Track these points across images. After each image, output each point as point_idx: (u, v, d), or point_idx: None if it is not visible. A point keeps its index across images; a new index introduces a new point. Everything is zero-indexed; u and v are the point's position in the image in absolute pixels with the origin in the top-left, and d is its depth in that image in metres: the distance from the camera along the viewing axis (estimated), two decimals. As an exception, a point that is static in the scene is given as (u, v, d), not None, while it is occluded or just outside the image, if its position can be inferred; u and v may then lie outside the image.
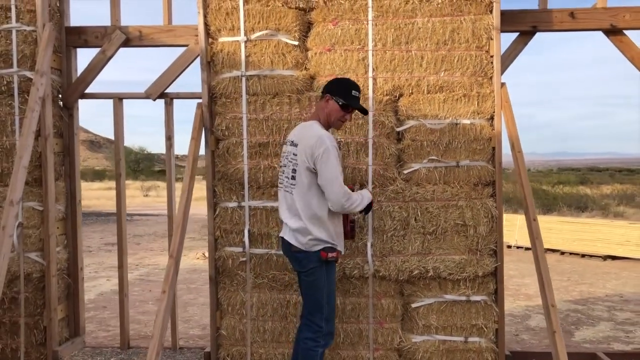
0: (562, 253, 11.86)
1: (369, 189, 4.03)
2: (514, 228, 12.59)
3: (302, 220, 3.30)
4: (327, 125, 3.43)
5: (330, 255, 3.30)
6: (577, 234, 11.87)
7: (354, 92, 3.39)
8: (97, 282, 8.68)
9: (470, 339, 4.11)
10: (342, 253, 3.50)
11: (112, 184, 40.23)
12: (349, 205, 3.26)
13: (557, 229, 12.17)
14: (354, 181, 4.06)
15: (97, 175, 48.08)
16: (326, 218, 3.30)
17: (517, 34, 4.46)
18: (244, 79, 4.13)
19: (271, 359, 4.19)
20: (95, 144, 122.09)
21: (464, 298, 4.09)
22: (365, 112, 3.49)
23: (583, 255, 11.52)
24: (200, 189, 12.52)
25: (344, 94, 3.37)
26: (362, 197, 3.38)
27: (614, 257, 11.09)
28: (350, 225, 3.60)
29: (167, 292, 3.55)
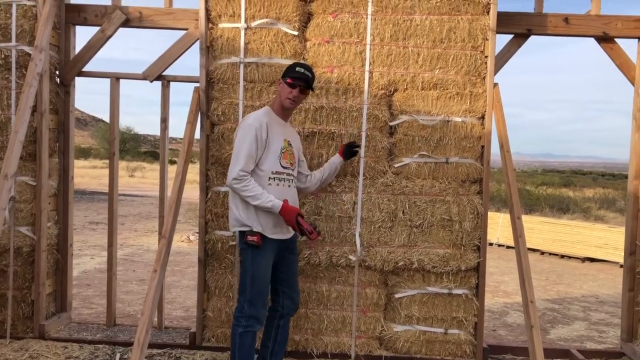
0: (542, 253, 12.07)
1: (360, 179, 4.12)
2: (496, 226, 12.76)
3: (229, 199, 3.48)
4: (280, 107, 3.49)
5: (249, 238, 3.28)
6: (558, 235, 12.08)
7: (297, 69, 3.41)
8: (81, 259, 8.69)
9: (450, 331, 4.23)
10: (285, 237, 3.44)
11: (97, 162, 40.12)
12: (236, 185, 3.23)
13: (538, 229, 12.37)
14: (344, 172, 4.15)
15: (83, 153, 47.70)
16: (240, 201, 3.32)
17: (511, 35, 4.55)
18: (242, 65, 4.18)
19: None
20: (82, 121, 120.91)
21: (446, 291, 4.20)
22: (309, 87, 3.44)
23: (562, 256, 11.73)
24: (189, 172, 12.53)
25: (287, 71, 3.44)
26: (267, 200, 3.23)
27: (592, 259, 11.31)
28: (305, 228, 3.30)
29: (158, 271, 3.61)
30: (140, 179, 30.86)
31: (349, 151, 3.96)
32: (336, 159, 3.91)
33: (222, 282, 4.29)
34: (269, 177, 3.35)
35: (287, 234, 3.47)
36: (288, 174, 3.47)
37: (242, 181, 3.23)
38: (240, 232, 3.37)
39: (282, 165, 3.42)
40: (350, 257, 4.14)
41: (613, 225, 12.58)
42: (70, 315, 4.97)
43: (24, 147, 4.20)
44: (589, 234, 11.67)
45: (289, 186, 3.47)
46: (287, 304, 3.61)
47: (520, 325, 6.04)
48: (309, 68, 3.47)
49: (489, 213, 4.27)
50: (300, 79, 3.39)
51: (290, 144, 3.52)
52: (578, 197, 24.22)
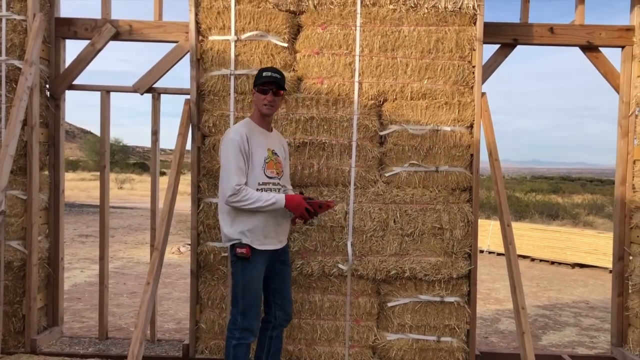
0: (532, 259, 12.15)
1: (351, 189, 4.15)
2: (486, 234, 12.84)
3: (218, 214, 3.49)
4: (259, 115, 3.45)
5: (238, 250, 3.28)
6: (548, 242, 12.16)
7: (264, 74, 3.37)
8: (71, 273, 8.64)
9: (443, 339, 4.25)
10: (276, 248, 3.41)
11: (86, 174, 39.89)
12: (234, 200, 3.20)
13: (528, 236, 12.46)
14: (336, 182, 4.18)
15: (71, 166, 47.38)
16: (234, 213, 3.31)
17: (498, 45, 4.61)
18: (232, 77, 4.21)
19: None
20: (70, 133, 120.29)
21: (438, 299, 4.22)
22: (281, 87, 3.40)
23: (552, 263, 11.81)
24: (179, 183, 12.49)
25: (256, 79, 3.42)
26: (267, 199, 3.24)
27: (582, 265, 11.40)
28: (318, 203, 3.37)
29: (151, 283, 3.61)
30: (130, 191, 30.72)
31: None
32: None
33: (215, 294, 4.29)
34: (256, 189, 3.31)
35: (278, 244, 3.45)
36: (274, 184, 3.42)
37: (239, 194, 3.20)
38: (230, 245, 3.37)
39: (267, 175, 3.39)
40: (342, 266, 4.16)
41: (602, 231, 12.70)
42: (62, 330, 4.94)
43: (14, 161, 4.20)
44: (579, 240, 11.77)
45: None
46: (279, 315, 3.58)
47: (512, 331, 6.07)
48: (275, 70, 3.44)
49: (479, 220, 4.30)
50: (269, 82, 3.36)
51: (275, 153, 3.48)
52: (567, 203, 24.41)
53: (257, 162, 3.35)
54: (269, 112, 3.44)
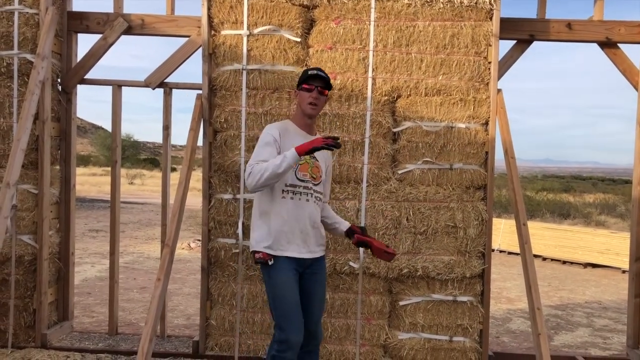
0: (544, 259, 12.06)
1: (363, 186, 4.11)
2: (498, 232, 12.75)
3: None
4: (301, 116, 3.20)
5: (257, 256, 3.09)
6: (559, 241, 12.06)
7: (310, 72, 3.17)
8: (82, 267, 8.66)
9: (455, 338, 4.20)
10: (302, 257, 3.11)
11: (97, 169, 40.13)
12: (250, 181, 2.95)
13: (540, 235, 12.35)
14: (348, 179, 4.13)
15: (82, 161, 47.69)
16: (258, 217, 3.14)
17: (514, 41, 4.54)
18: (244, 72, 4.17)
19: (259, 350, 4.25)
20: (81, 129, 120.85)
21: (450, 298, 4.17)
22: (327, 86, 3.18)
23: (564, 262, 11.71)
24: (191, 179, 12.51)
25: (301, 79, 3.21)
26: (275, 160, 2.93)
27: (594, 265, 11.30)
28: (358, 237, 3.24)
29: (162, 279, 3.58)
30: (140, 186, 30.86)
31: (359, 241, 3.32)
32: (342, 227, 3.37)
33: (226, 290, 4.26)
34: (282, 190, 3.07)
35: (306, 253, 3.13)
36: (306, 187, 3.11)
37: (252, 173, 2.94)
38: (251, 252, 3.17)
39: (298, 178, 3.09)
40: (354, 264, 4.12)
41: (615, 231, 12.57)
42: (72, 324, 4.94)
43: (25, 155, 4.18)
44: (591, 239, 11.66)
45: (308, 200, 3.11)
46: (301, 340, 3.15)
47: (524, 331, 6.01)
48: (320, 69, 3.24)
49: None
50: (315, 78, 3.14)
51: (314, 157, 3.18)
52: (578, 202, 24.23)
53: None
54: (313, 112, 3.17)
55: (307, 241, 3.12)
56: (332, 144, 2.94)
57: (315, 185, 3.16)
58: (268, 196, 3.09)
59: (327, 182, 3.38)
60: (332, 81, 4.08)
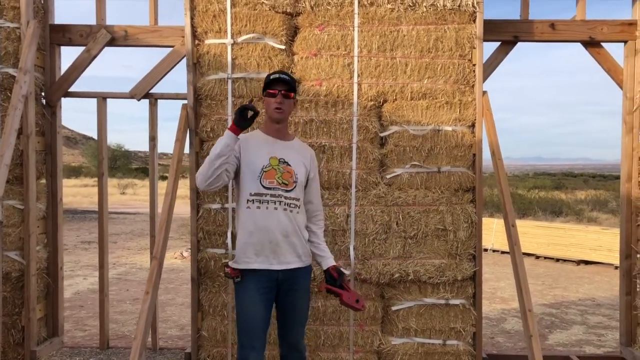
0: (537, 257, 12.08)
1: (352, 192, 4.09)
2: (490, 232, 12.76)
3: None
4: (269, 123, 3.14)
5: (226, 269, 3.07)
6: (552, 239, 12.09)
7: (272, 76, 3.10)
8: (74, 280, 8.60)
9: (449, 342, 4.19)
10: (273, 268, 3.00)
11: (88, 180, 39.96)
12: (197, 175, 2.97)
13: (532, 233, 12.39)
14: (337, 185, 4.11)
15: (73, 172, 47.46)
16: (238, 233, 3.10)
17: (499, 43, 4.55)
18: (230, 81, 4.15)
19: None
20: (72, 140, 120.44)
21: (443, 301, 4.16)
22: (291, 89, 3.09)
23: (557, 260, 11.74)
24: (180, 188, 12.48)
25: (264, 85, 3.15)
26: (215, 147, 2.92)
27: (587, 262, 11.33)
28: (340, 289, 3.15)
29: (150, 293, 3.54)
30: (132, 196, 30.71)
31: (328, 290, 3.23)
32: (324, 264, 3.24)
33: (216, 301, 4.23)
34: (247, 200, 3.01)
35: (277, 264, 3.01)
36: (274, 195, 3.00)
37: (198, 174, 2.96)
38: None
39: (263, 185, 3.00)
40: (345, 270, 4.09)
41: (606, 227, 12.61)
42: (63, 340, 4.89)
43: (10, 170, 4.15)
44: (583, 236, 11.69)
45: (276, 208, 3.00)
46: (282, 352, 3.19)
47: (518, 331, 6.01)
48: (284, 72, 3.20)
49: (482, 219, 4.24)
50: (278, 82, 3.07)
51: (285, 162, 3.08)
52: (570, 199, 24.32)
53: (252, 170, 3.02)
54: (280, 116, 3.08)
55: (277, 252, 3.01)
56: (247, 106, 2.92)
57: (287, 191, 3.04)
58: (237, 207, 3.09)
59: (313, 188, 3.25)
60: (317, 88, 4.09)
